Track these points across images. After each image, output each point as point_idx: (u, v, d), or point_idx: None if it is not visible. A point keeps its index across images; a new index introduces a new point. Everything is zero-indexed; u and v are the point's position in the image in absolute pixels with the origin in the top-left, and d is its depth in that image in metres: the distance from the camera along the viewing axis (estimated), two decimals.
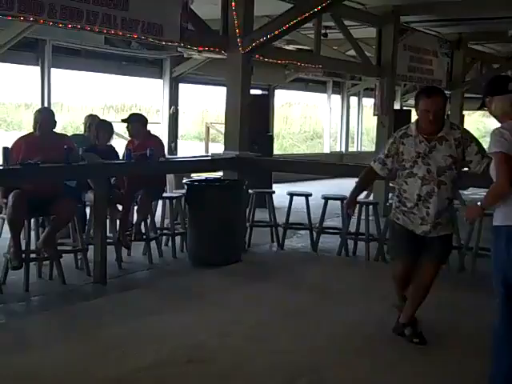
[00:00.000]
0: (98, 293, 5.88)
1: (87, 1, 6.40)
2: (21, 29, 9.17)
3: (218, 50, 8.22)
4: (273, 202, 8.09)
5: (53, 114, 6.35)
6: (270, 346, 4.59)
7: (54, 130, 6.30)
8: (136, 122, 7.25)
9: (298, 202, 8.05)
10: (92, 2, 6.45)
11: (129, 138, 7.52)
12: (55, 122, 6.28)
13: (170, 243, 7.48)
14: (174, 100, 13.09)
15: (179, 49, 10.41)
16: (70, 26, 6.40)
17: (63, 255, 6.18)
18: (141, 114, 7.62)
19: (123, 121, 7.35)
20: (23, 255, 5.82)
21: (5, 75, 10.31)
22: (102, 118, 8.47)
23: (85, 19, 6.43)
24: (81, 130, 8.70)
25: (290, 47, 12.91)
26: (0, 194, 6.06)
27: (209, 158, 8.50)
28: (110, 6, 6.64)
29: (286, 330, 4.91)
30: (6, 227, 7.19)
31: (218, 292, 5.91)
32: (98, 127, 7.34)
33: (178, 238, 7.51)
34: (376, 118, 11.71)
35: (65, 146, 6.33)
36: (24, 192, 5.83)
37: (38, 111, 6.39)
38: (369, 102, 19.69)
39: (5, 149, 5.70)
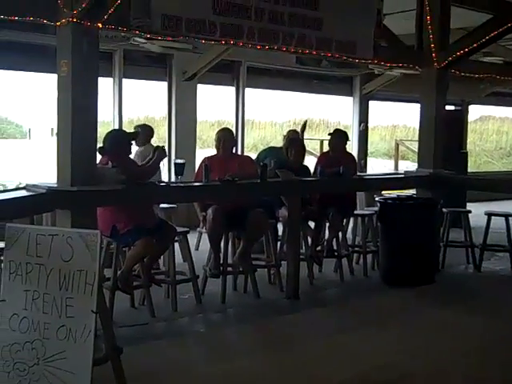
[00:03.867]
0: (291, 308, 5.97)
1: (283, 23, 6.55)
2: (218, 52, 9.66)
3: (411, 65, 8.07)
4: (469, 222, 7.76)
5: (232, 134, 6.59)
6: (463, 372, 4.38)
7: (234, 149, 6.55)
8: (338, 138, 7.33)
9: (494, 221, 7.65)
10: (288, 23, 6.59)
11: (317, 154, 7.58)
12: (235, 141, 6.51)
13: (361, 261, 7.44)
14: (363, 117, 13.04)
15: (370, 66, 10.36)
16: (267, 47, 6.60)
17: (257, 269, 6.37)
18: (344, 131, 7.68)
19: (330, 134, 7.46)
20: (221, 267, 6.08)
21: (202, 96, 10.87)
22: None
23: (281, 40, 6.59)
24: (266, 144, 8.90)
25: (487, 60, 12.33)
26: (199, 208, 6.38)
27: (401, 175, 8.33)
28: (305, 26, 6.74)
29: (481, 358, 4.66)
30: (203, 241, 7.62)
31: (411, 313, 5.76)
32: (290, 144, 7.41)
33: (369, 256, 7.45)
34: None
35: (261, 163, 6.55)
36: (221, 207, 6.08)
37: (220, 131, 6.59)
38: None
39: (206, 166, 5.99)
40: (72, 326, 3.55)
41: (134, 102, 12.02)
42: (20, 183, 10.05)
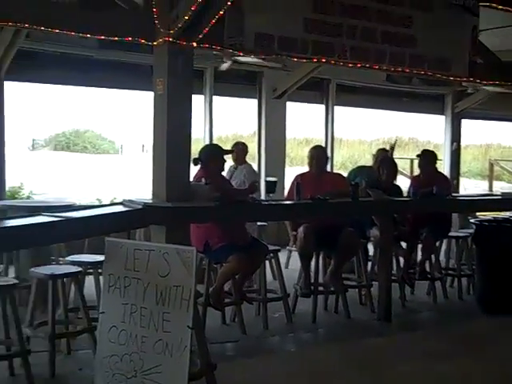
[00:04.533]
0: (383, 330, 5.85)
1: (376, 40, 6.48)
2: (308, 70, 9.68)
3: (509, 83, 7.83)
4: None
5: (325, 152, 6.55)
6: None
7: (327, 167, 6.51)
8: (427, 159, 7.19)
9: None
10: (380, 41, 6.52)
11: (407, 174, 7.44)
12: (327, 158, 6.47)
13: (455, 284, 7.21)
14: (455, 136, 12.71)
15: (464, 83, 10.12)
16: (359, 65, 6.54)
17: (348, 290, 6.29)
18: (432, 151, 7.53)
19: (418, 156, 7.34)
20: (312, 286, 6.04)
21: (291, 113, 10.91)
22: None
23: (373, 58, 6.52)
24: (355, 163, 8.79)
25: None
26: (290, 227, 6.37)
27: (499, 196, 8.05)
28: (398, 43, 6.65)
29: None
30: (293, 259, 7.60)
31: (507, 341, 5.50)
32: (381, 164, 7.30)
33: (464, 280, 7.21)
34: None
35: (352, 182, 6.47)
36: (313, 225, 6.04)
37: (313, 148, 6.61)
38: None
39: (298, 184, 5.97)
40: (168, 341, 3.59)
41: (223, 119, 12.19)
42: (114, 198, 10.37)
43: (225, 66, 8.78)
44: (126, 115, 18.49)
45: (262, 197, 8.17)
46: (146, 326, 3.70)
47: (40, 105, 15.63)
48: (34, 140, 20.07)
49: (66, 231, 4.36)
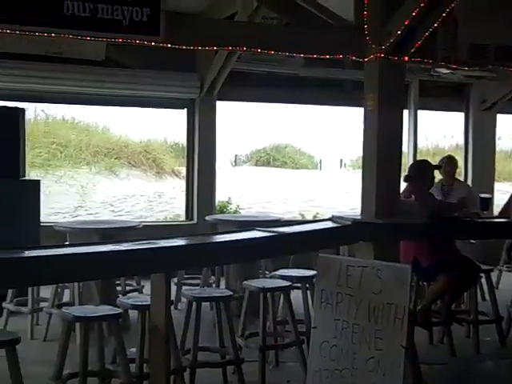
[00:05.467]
0: None
1: None
2: None
3: None
4: None
5: None
6: None
7: None
8: None
9: None
10: None
11: None
12: None
13: None
14: None
15: None
16: None
17: None
18: None
19: None
20: None
21: (500, 124, 10.33)
22: None
23: None
24: None
25: None
26: (505, 245, 6.04)
27: None
28: None
29: None
30: (504, 279, 7.19)
31: None
32: None
33: None
34: None
35: None
36: None
37: None
38: None
39: None
40: (381, 359, 3.55)
41: (424, 131, 11.92)
42: (317, 213, 10.53)
43: None
44: (325, 130, 18.70)
45: None
46: (358, 343, 3.69)
47: (242, 122, 16.32)
48: (236, 156, 20.99)
49: (279, 246, 4.45)
